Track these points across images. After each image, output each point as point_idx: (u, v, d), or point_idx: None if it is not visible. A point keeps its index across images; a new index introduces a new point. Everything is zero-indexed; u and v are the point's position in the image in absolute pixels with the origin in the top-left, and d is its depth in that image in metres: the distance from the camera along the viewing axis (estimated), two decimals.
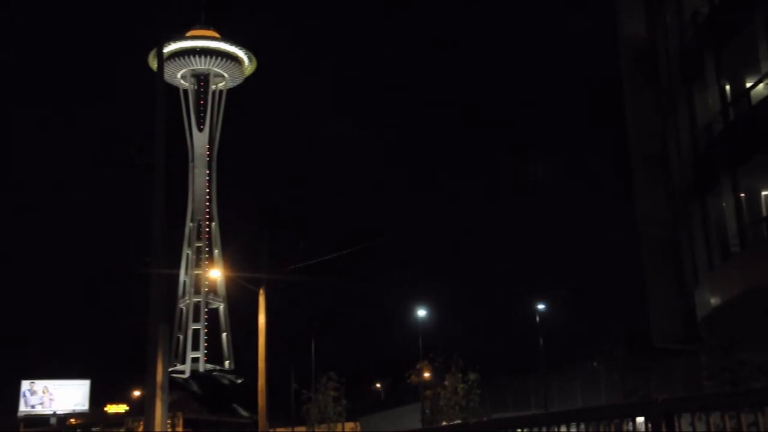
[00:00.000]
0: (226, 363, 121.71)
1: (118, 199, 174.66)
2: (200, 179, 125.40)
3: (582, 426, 8.30)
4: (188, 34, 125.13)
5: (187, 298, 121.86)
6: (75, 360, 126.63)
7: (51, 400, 74.38)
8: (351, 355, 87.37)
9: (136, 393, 76.26)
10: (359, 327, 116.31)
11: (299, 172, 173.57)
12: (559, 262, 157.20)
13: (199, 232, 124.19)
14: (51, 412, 74.19)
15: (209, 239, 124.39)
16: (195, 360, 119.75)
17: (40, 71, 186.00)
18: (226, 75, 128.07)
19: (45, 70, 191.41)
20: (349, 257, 39.18)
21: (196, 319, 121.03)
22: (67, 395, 75.17)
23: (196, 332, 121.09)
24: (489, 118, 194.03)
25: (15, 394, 73.96)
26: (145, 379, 18.49)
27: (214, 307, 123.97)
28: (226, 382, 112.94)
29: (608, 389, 37.74)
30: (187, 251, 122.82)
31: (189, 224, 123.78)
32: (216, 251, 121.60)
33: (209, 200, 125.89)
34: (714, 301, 24.81)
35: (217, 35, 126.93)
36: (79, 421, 78.75)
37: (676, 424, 7.07)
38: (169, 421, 48.11)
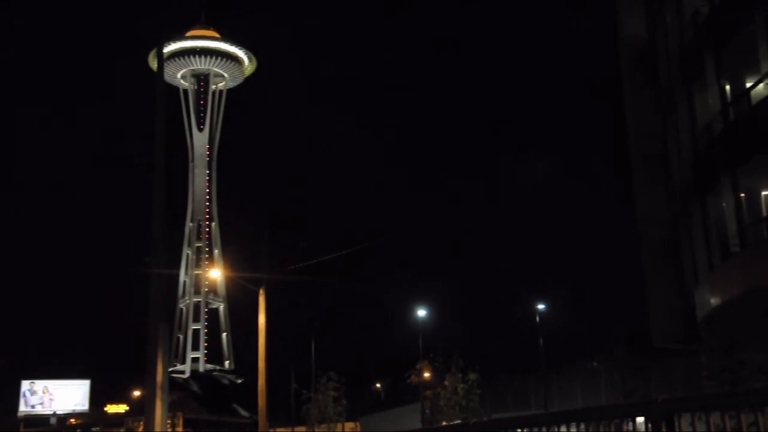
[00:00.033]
0: (226, 363, 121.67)
1: (118, 199, 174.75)
2: (200, 179, 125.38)
3: (582, 426, 8.30)
4: (188, 34, 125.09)
5: (187, 298, 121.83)
6: (75, 360, 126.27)
7: (51, 400, 74.33)
8: (351, 355, 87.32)
9: (136, 393, 76.24)
10: (359, 327, 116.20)
11: (299, 172, 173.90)
12: (559, 262, 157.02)
13: (199, 232, 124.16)
14: (51, 412, 74.14)
15: (209, 239, 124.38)
16: (195, 360, 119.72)
17: (40, 71, 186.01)
18: (226, 75, 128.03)
19: (45, 70, 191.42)
20: (349, 257, 39.26)
21: (196, 319, 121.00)
22: (67, 395, 75.12)
23: (196, 332, 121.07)
24: (489, 118, 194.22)
25: (15, 394, 73.92)
26: (145, 379, 18.46)
27: (214, 307, 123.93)
28: (226, 382, 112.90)
29: (608, 389, 37.75)
30: (187, 251, 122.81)
31: (189, 224, 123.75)
32: (216, 251, 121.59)
33: (209, 200, 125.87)
34: (714, 301, 24.81)
35: (217, 35, 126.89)
36: (79, 421, 78.73)
37: (676, 424, 7.07)
38: (169, 421, 48.10)
